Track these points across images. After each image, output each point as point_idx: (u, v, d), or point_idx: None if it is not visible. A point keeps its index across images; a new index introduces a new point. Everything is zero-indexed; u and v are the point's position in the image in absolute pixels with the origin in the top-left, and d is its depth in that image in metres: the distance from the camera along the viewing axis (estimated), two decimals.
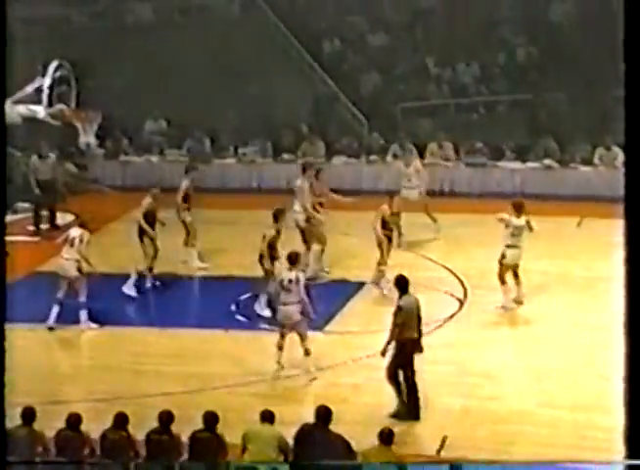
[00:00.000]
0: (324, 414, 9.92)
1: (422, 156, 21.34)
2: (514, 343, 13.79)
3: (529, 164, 20.99)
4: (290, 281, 12.38)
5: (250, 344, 13.56)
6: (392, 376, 11.45)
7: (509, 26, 23.87)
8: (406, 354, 11.44)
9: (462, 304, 14.69)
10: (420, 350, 11.59)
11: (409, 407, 11.37)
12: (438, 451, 10.62)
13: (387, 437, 9.37)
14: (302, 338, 12.44)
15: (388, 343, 11.46)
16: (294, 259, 12.61)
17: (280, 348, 12.41)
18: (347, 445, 9.53)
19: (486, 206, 17.85)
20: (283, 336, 12.46)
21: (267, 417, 9.79)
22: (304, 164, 16.50)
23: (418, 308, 11.63)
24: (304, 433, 9.76)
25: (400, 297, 11.63)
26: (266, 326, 13.89)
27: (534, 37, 23.46)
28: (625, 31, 6.15)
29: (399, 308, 11.53)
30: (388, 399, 11.75)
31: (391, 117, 22.57)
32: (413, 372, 11.47)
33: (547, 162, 20.93)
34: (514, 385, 12.44)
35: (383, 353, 11.53)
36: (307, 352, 12.41)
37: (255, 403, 11.15)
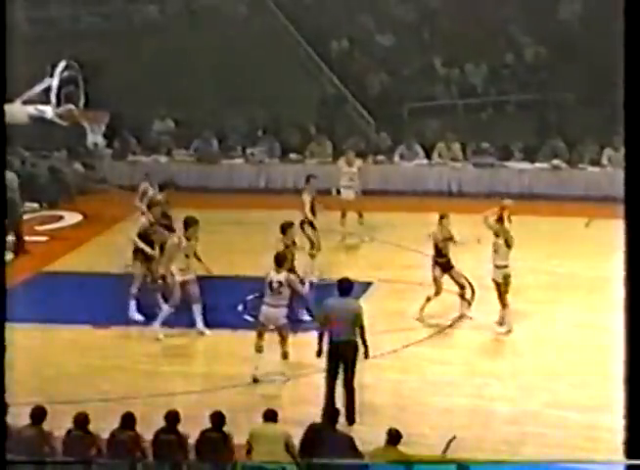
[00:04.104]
0: (331, 414, 9.93)
1: (429, 156, 21.40)
2: (521, 343, 13.75)
3: (538, 165, 20.95)
4: (279, 283, 12.28)
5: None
6: (327, 378, 11.38)
7: (517, 26, 23.85)
8: (339, 357, 11.35)
9: (470, 304, 14.66)
10: (365, 356, 11.44)
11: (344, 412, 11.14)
12: (444, 451, 10.61)
13: (394, 436, 9.37)
14: (284, 340, 12.30)
15: (319, 343, 11.43)
16: (281, 261, 12.48)
17: (259, 350, 12.28)
18: (354, 444, 9.53)
19: (494, 206, 17.79)
20: (261, 335, 12.28)
21: (270, 416, 9.79)
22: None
23: (354, 312, 11.48)
24: (312, 432, 9.77)
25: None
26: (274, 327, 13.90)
27: (543, 37, 23.44)
28: (625, 31, 6.15)
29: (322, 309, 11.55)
30: (397, 398, 11.76)
31: (399, 117, 22.58)
32: (350, 376, 11.36)
33: (555, 162, 20.90)
34: (522, 385, 12.42)
35: (318, 354, 11.47)
36: (285, 356, 12.31)
37: (263, 404, 11.15)
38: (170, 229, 15.09)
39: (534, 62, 23.23)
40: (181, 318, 14.26)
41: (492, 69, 23.35)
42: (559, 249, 16.57)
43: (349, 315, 11.44)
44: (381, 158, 21.52)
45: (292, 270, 13.32)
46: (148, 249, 14.37)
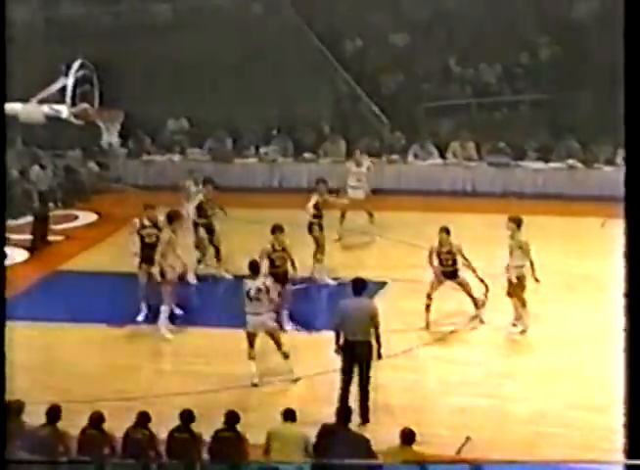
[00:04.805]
0: (345, 414, 9.93)
1: (443, 155, 21.37)
2: (537, 343, 13.71)
3: (552, 165, 20.90)
4: (258, 290, 12.25)
5: (271, 343, 13.57)
6: (342, 377, 11.37)
7: (532, 26, 23.77)
8: (355, 356, 11.34)
9: (484, 304, 14.63)
10: (378, 356, 11.45)
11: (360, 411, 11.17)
12: (459, 452, 10.60)
13: (407, 436, 9.35)
14: (278, 343, 12.32)
15: (336, 342, 11.44)
16: (255, 269, 12.56)
17: (252, 358, 12.26)
18: (368, 444, 9.53)
19: (508, 206, 17.79)
20: (252, 344, 12.26)
21: (290, 416, 9.79)
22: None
23: (370, 312, 11.50)
24: (325, 432, 9.76)
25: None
26: (289, 326, 13.92)
27: (558, 36, 23.36)
28: (625, 31, 6.12)
29: (338, 309, 11.56)
30: (411, 398, 11.75)
31: (413, 116, 22.54)
32: (365, 376, 11.37)
33: (570, 162, 20.84)
34: (537, 385, 12.38)
35: (337, 352, 11.47)
36: (286, 356, 12.34)
37: (277, 403, 11.16)
38: (210, 228, 15.26)
39: (549, 61, 23.15)
40: (195, 317, 14.32)
41: (507, 68, 23.29)
42: (573, 249, 16.52)
43: (365, 315, 11.45)
44: (395, 157, 21.51)
45: (279, 275, 13.44)
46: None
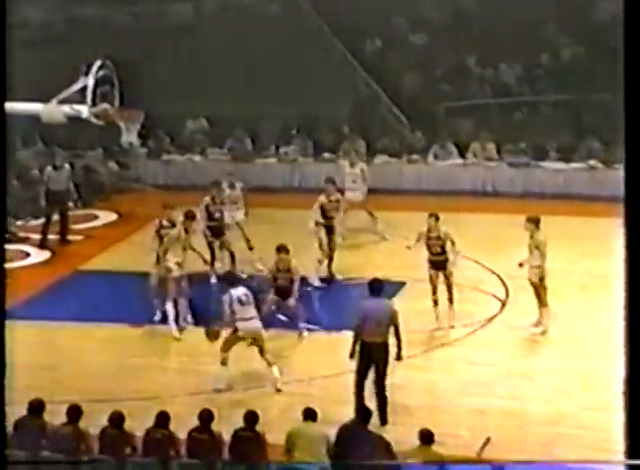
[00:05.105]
0: (364, 414, 9.92)
1: (463, 156, 21.32)
2: (556, 343, 13.66)
3: (573, 165, 20.81)
4: (245, 296, 12.34)
5: (292, 343, 13.59)
6: (356, 377, 11.34)
7: (553, 26, 23.67)
8: (371, 358, 11.31)
9: (504, 305, 14.60)
10: (398, 357, 11.46)
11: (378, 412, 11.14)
12: (479, 453, 10.56)
13: (426, 437, 9.34)
14: (262, 350, 12.32)
15: (353, 344, 11.39)
16: (231, 279, 12.76)
17: (224, 363, 12.25)
18: (388, 445, 9.52)
19: (529, 206, 17.72)
20: (227, 350, 12.27)
21: (310, 415, 9.79)
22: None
23: (389, 313, 11.47)
24: (345, 433, 9.76)
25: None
26: (309, 326, 13.93)
27: (580, 36, 23.25)
28: (625, 31, 6.11)
29: (359, 310, 11.49)
30: (430, 399, 11.72)
31: (433, 116, 22.49)
32: (381, 377, 11.34)
33: (592, 162, 20.76)
34: (556, 386, 12.34)
35: (351, 355, 11.40)
36: (269, 364, 12.31)
37: (296, 403, 11.15)
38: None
39: (571, 61, 23.05)
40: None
41: (527, 68, 23.21)
42: (594, 250, 16.44)
43: (385, 316, 11.42)
44: (415, 157, 21.47)
45: (281, 292, 13.54)
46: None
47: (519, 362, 13.03)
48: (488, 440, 10.67)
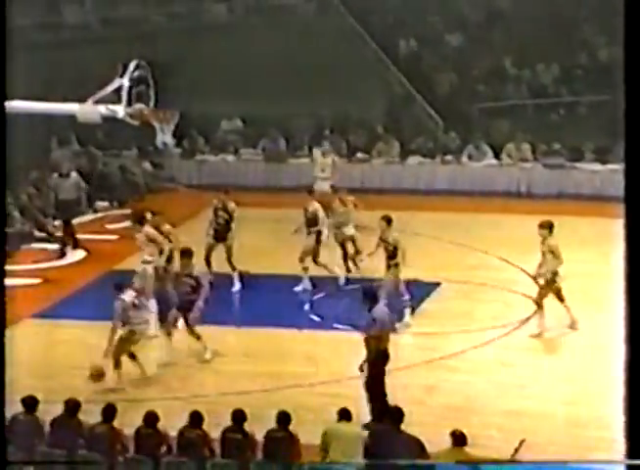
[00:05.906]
0: (396, 415, 9.90)
1: (498, 156, 21.23)
2: (590, 346, 13.56)
3: (610, 166, 20.67)
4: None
5: (324, 343, 13.59)
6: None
7: (591, 26, 23.52)
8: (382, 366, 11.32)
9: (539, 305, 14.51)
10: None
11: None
12: (514, 454, 10.52)
13: (458, 438, 9.31)
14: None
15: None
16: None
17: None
18: (421, 445, 9.50)
19: (564, 207, 17.65)
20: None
21: (345, 415, 9.80)
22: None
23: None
24: (377, 433, 9.76)
25: (370, 308, 11.40)
26: (340, 326, 13.92)
27: (618, 37, 23.06)
28: (625, 31, 6.07)
29: (374, 321, 11.32)
30: (461, 399, 11.69)
31: (468, 117, 22.43)
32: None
33: None
34: (589, 389, 12.26)
35: (361, 369, 11.32)
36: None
37: (329, 403, 11.15)
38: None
39: (608, 62, 22.89)
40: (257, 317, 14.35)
41: (564, 69, 23.08)
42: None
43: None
44: (449, 158, 21.41)
45: None
46: None
47: (551, 364, 12.95)
48: (522, 441, 10.63)
